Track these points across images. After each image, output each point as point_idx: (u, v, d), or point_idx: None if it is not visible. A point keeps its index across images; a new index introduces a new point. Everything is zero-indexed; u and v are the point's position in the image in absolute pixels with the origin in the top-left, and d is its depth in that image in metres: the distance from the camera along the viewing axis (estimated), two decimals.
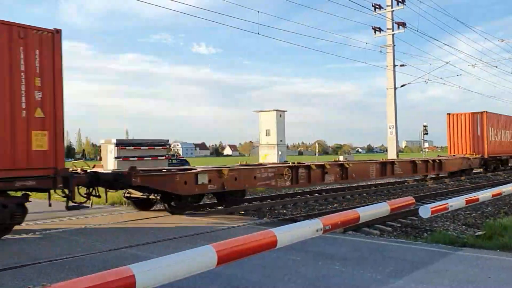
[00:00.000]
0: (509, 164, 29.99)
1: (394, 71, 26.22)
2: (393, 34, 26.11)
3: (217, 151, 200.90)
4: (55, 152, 7.78)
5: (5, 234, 7.47)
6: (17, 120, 7.33)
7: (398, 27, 25.79)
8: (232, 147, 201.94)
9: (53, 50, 7.81)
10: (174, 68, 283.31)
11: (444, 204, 4.45)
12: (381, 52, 26.51)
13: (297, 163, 13.72)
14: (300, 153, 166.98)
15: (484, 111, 26.13)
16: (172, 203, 10.29)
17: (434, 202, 4.71)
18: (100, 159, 12.75)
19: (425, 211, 4.21)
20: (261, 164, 13.58)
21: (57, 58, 7.87)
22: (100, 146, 13.97)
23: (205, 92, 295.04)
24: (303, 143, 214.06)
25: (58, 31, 7.91)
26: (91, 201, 9.17)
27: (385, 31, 26.35)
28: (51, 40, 7.77)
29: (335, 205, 13.74)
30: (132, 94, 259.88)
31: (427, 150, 37.01)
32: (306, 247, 6.08)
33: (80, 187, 8.93)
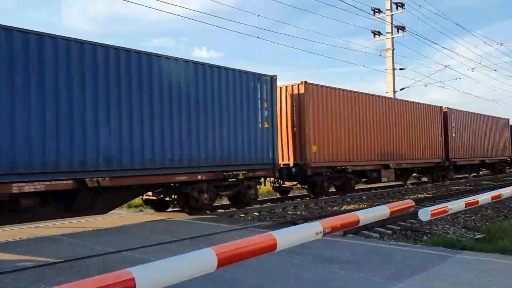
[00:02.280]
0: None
1: (394, 74, 26.27)
2: (392, 38, 26.17)
3: None
4: None
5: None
6: None
7: (398, 31, 25.85)
8: None
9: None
10: None
11: (443, 207, 4.45)
12: (380, 55, 26.58)
13: None
14: None
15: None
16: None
17: (434, 205, 4.71)
18: None
19: (425, 214, 4.20)
20: None
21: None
22: None
23: None
24: None
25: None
26: None
27: (385, 35, 26.41)
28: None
29: (334, 208, 13.75)
30: None
31: None
32: (306, 250, 6.07)
33: None
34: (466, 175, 27.16)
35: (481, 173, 30.21)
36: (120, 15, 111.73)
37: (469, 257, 5.80)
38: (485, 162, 26.85)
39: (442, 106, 22.41)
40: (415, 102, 20.39)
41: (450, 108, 23.09)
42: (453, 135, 22.80)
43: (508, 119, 30.66)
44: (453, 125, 22.96)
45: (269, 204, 14.28)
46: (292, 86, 14.56)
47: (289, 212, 12.94)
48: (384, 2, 26.12)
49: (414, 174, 22.16)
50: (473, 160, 25.35)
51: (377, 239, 8.36)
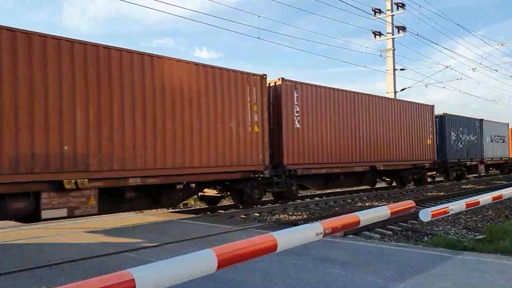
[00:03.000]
0: None
1: (394, 75, 26.26)
2: (393, 38, 26.17)
3: None
4: None
5: None
6: None
7: (398, 31, 25.85)
8: None
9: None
10: None
11: (444, 208, 4.45)
12: (381, 56, 26.57)
13: None
14: None
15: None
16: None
17: (435, 205, 4.71)
18: None
19: (426, 214, 4.20)
20: None
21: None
22: None
23: None
24: None
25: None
26: None
27: (385, 35, 26.41)
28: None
29: (335, 209, 13.74)
30: None
31: None
32: (307, 251, 6.07)
33: None
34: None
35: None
36: (120, 16, 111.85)
37: (470, 258, 5.79)
38: (378, 170, 16.64)
39: (265, 75, 12.30)
40: (187, 62, 10.35)
41: (289, 80, 13.22)
42: (297, 125, 13.29)
43: (433, 106, 20.60)
44: (297, 108, 13.31)
45: (269, 205, 14.27)
46: None
47: (290, 213, 12.92)
48: (385, 2, 26.14)
49: (212, 192, 12.81)
50: (352, 167, 15.38)
51: (377, 240, 8.35)
